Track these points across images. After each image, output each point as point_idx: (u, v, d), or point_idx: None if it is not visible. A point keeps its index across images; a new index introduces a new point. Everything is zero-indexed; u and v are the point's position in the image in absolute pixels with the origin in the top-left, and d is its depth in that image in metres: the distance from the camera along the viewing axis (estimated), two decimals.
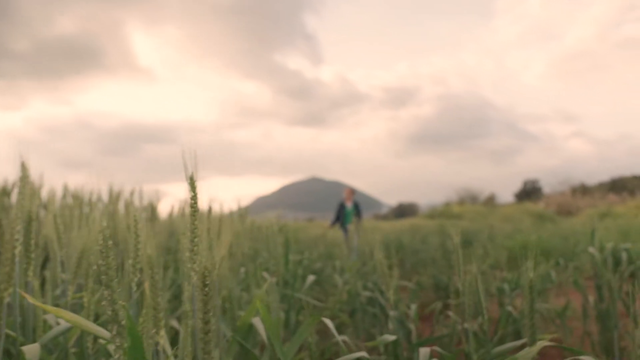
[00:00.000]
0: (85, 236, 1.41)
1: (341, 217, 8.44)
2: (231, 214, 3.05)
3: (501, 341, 2.33)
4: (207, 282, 0.86)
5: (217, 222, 1.54)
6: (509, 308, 2.89)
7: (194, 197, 0.96)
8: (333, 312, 2.51)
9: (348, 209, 8.50)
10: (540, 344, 1.15)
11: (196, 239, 0.95)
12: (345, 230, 8.05)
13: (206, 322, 0.85)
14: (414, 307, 2.10)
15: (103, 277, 0.76)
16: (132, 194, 2.58)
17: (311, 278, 2.23)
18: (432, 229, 13.63)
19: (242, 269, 2.23)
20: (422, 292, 4.76)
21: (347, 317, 2.55)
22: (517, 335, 2.71)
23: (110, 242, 0.78)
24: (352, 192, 8.82)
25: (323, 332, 2.62)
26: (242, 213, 3.20)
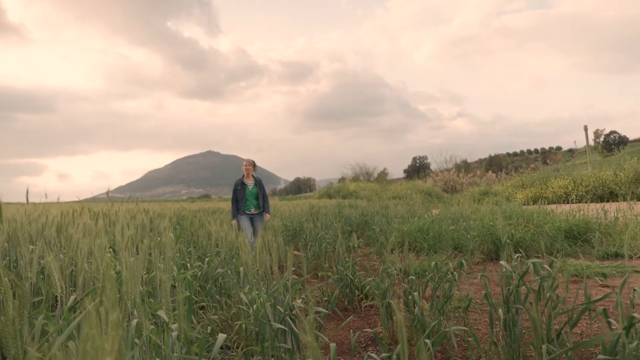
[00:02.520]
0: None
1: (242, 199, 6.79)
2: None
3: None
4: None
5: None
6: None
7: None
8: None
9: (250, 188, 6.89)
10: None
11: None
12: (247, 216, 6.82)
13: None
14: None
15: None
16: None
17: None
18: (332, 210, 13.84)
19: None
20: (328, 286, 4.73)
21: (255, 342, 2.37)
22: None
23: None
24: (253, 165, 7.08)
25: None
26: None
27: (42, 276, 1.81)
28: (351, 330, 3.53)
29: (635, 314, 1.69)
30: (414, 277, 3.20)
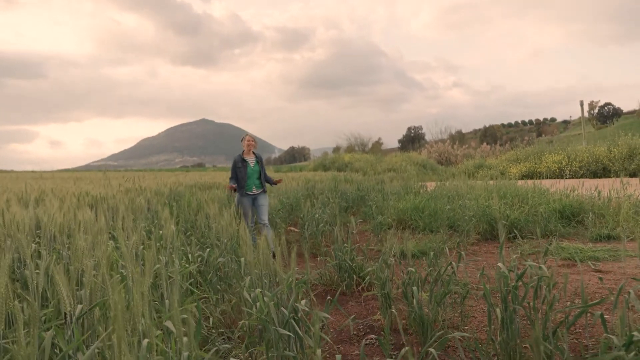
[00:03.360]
0: None
1: (242, 179, 6.25)
2: None
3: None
4: None
5: None
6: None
7: None
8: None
9: (251, 166, 6.32)
10: None
11: None
12: (248, 197, 6.31)
13: None
14: None
15: None
16: None
17: None
18: (327, 185, 13.88)
19: None
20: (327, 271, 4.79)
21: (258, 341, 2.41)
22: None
23: None
24: (254, 142, 6.55)
25: None
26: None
27: (48, 283, 1.83)
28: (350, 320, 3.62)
29: (635, 333, 1.73)
30: (413, 269, 3.24)
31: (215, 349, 2.45)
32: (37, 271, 1.62)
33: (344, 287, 4.50)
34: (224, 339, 2.75)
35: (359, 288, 4.49)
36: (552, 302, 2.45)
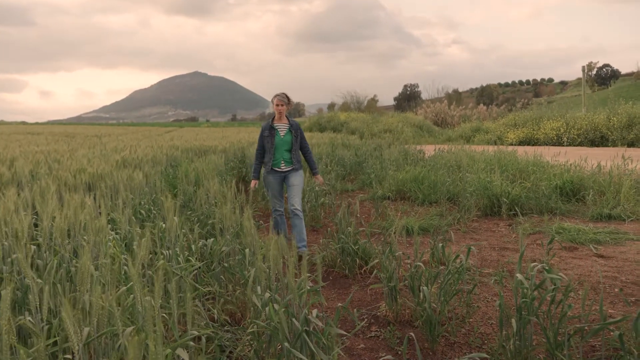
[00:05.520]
0: None
1: (269, 151, 5.18)
2: None
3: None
4: None
5: None
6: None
7: None
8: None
9: (281, 135, 5.20)
10: None
11: None
12: (275, 174, 5.24)
13: None
14: None
15: None
16: None
17: None
18: (325, 150, 13.75)
19: None
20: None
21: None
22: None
23: None
24: (284, 104, 5.18)
25: None
26: None
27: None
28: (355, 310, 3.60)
29: None
30: (421, 264, 3.19)
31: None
32: (39, 299, 1.53)
33: (347, 271, 4.47)
34: (230, 338, 2.71)
35: (362, 270, 4.47)
36: (566, 312, 2.41)
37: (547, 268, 2.39)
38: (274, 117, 5.25)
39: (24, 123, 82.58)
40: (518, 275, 2.31)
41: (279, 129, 5.20)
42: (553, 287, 2.36)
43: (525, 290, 2.33)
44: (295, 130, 5.25)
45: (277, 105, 5.15)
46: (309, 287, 2.35)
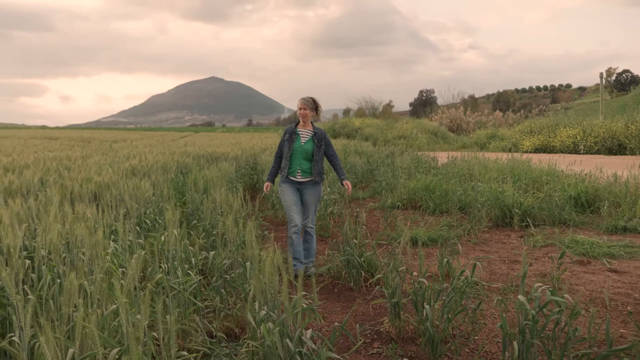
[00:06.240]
0: None
1: (286, 157, 4.78)
2: None
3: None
4: None
5: None
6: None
7: None
8: None
9: (301, 142, 4.79)
10: None
11: None
12: (291, 184, 4.81)
13: None
14: None
15: None
16: None
17: None
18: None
19: None
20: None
21: None
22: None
23: None
24: (315, 107, 4.87)
25: None
26: None
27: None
28: (358, 325, 3.54)
29: None
30: (424, 280, 3.12)
31: None
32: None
33: (352, 283, 4.42)
34: (227, 354, 2.68)
35: (367, 283, 4.41)
36: (571, 335, 2.33)
37: (550, 289, 2.30)
38: (299, 121, 4.91)
39: (44, 127, 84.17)
40: (520, 297, 2.24)
41: (301, 135, 4.81)
42: (558, 309, 2.28)
43: (528, 312, 2.26)
44: (319, 139, 4.81)
45: (300, 109, 4.81)
46: (304, 306, 2.31)
